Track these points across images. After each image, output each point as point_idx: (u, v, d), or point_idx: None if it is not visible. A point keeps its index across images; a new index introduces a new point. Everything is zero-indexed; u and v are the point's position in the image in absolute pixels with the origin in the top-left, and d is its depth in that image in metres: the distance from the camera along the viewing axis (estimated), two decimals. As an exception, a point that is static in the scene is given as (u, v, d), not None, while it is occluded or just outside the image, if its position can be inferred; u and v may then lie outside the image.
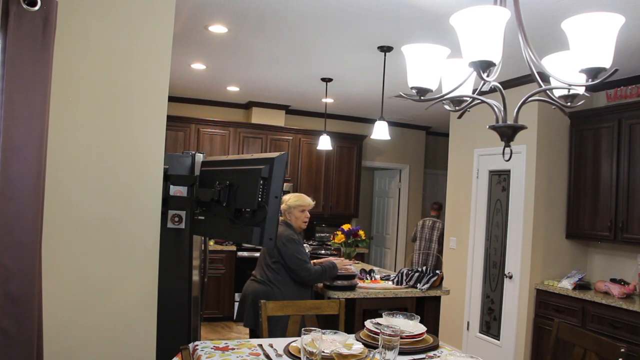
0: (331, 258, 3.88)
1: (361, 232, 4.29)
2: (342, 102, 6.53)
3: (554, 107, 1.82)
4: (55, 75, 1.99)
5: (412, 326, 2.33)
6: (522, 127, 1.72)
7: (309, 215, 3.60)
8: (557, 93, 1.84)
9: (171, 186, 2.76)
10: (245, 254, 6.19)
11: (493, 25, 1.52)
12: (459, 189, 5.58)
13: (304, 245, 3.72)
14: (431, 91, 1.84)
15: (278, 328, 3.04)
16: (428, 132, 8.33)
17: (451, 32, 1.70)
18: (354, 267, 3.98)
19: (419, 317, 2.41)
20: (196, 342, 2.25)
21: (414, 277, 3.96)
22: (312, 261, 3.76)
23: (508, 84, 4.43)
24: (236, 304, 6.00)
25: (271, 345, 2.21)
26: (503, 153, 1.70)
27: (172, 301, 2.78)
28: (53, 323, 2.15)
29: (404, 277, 3.99)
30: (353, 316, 3.60)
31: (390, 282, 3.98)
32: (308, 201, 3.58)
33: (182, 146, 6.32)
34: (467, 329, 5.27)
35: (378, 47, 4.07)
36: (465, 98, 1.92)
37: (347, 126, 7.61)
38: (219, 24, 3.75)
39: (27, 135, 1.84)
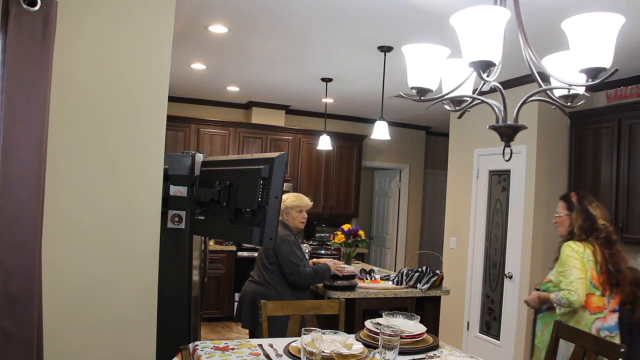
0: (327, 260, 3.88)
1: (361, 232, 4.29)
2: (342, 102, 6.53)
3: (554, 107, 1.82)
4: (55, 75, 1.99)
5: (412, 326, 2.33)
6: (522, 127, 1.72)
7: (306, 216, 3.58)
8: (557, 93, 1.84)
9: (171, 186, 2.76)
10: (245, 254, 6.19)
11: (493, 25, 1.52)
12: (459, 189, 5.58)
13: (304, 245, 3.71)
14: (431, 91, 1.84)
15: (277, 328, 3.04)
16: (428, 132, 8.33)
17: (451, 32, 1.70)
18: (353, 267, 3.98)
19: (419, 317, 2.41)
20: (196, 342, 2.25)
21: (414, 277, 3.96)
22: (311, 260, 3.76)
23: (508, 84, 4.43)
24: (236, 304, 6.00)
25: (271, 345, 2.21)
26: (503, 153, 1.70)
27: (172, 301, 2.78)
28: (53, 323, 2.15)
29: (404, 277, 3.99)
30: (353, 316, 3.60)
31: (390, 282, 3.98)
32: (306, 202, 3.56)
33: (182, 146, 6.32)
34: (467, 329, 5.27)
35: (378, 47, 4.06)
36: (465, 98, 1.92)
37: (347, 126, 7.61)
38: (219, 24, 3.75)
39: (27, 135, 1.84)
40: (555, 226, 2.99)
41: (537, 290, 2.79)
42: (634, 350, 2.77)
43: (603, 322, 2.60)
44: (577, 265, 2.61)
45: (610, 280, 2.63)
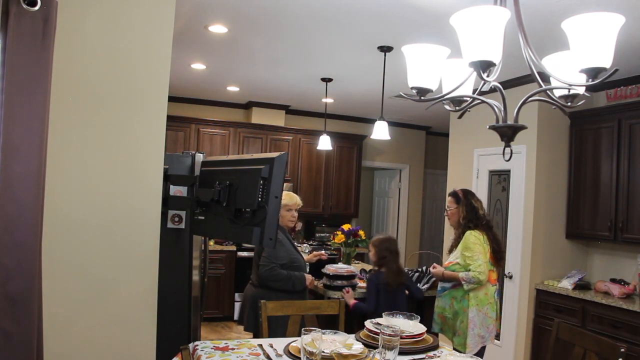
0: (309, 257, 3.89)
1: (361, 232, 4.30)
2: (342, 102, 6.53)
3: (554, 107, 1.83)
4: (55, 75, 1.99)
5: (412, 326, 2.33)
6: (522, 127, 1.72)
7: (296, 214, 3.56)
8: (557, 93, 1.84)
9: (171, 186, 2.76)
10: (245, 254, 6.18)
11: (493, 25, 1.53)
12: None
13: (304, 244, 3.70)
14: (431, 91, 1.84)
15: (277, 328, 3.04)
16: (428, 132, 8.33)
17: (451, 32, 1.70)
18: (353, 267, 3.98)
19: (419, 317, 2.41)
20: (196, 342, 2.25)
21: (414, 277, 3.96)
22: (306, 257, 3.79)
23: (508, 84, 4.43)
24: (236, 304, 6.01)
25: (271, 345, 2.21)
26: (503, 153, 1.70)
27: (172, 301, 2.78)
28: (53, 323, 2.14)
29: (404, 277, 3.98)
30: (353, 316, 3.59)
31: (390, 282, 3.97)
32: (295, 200, 3.54)
33: (182, 146, 6.32)
34: (467, 329, 5.26)
35: (378, 47, 4.06)
36: (465, 98, 1.93)
37: (347, 126, 7.61)
38: (219, 24, 3.75)
39: (27, 135, 1.84)
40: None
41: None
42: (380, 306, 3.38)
43: (496, 290, 3.39)
44: (481, 250, 3.25)
45: (496, 257, 3.31)
